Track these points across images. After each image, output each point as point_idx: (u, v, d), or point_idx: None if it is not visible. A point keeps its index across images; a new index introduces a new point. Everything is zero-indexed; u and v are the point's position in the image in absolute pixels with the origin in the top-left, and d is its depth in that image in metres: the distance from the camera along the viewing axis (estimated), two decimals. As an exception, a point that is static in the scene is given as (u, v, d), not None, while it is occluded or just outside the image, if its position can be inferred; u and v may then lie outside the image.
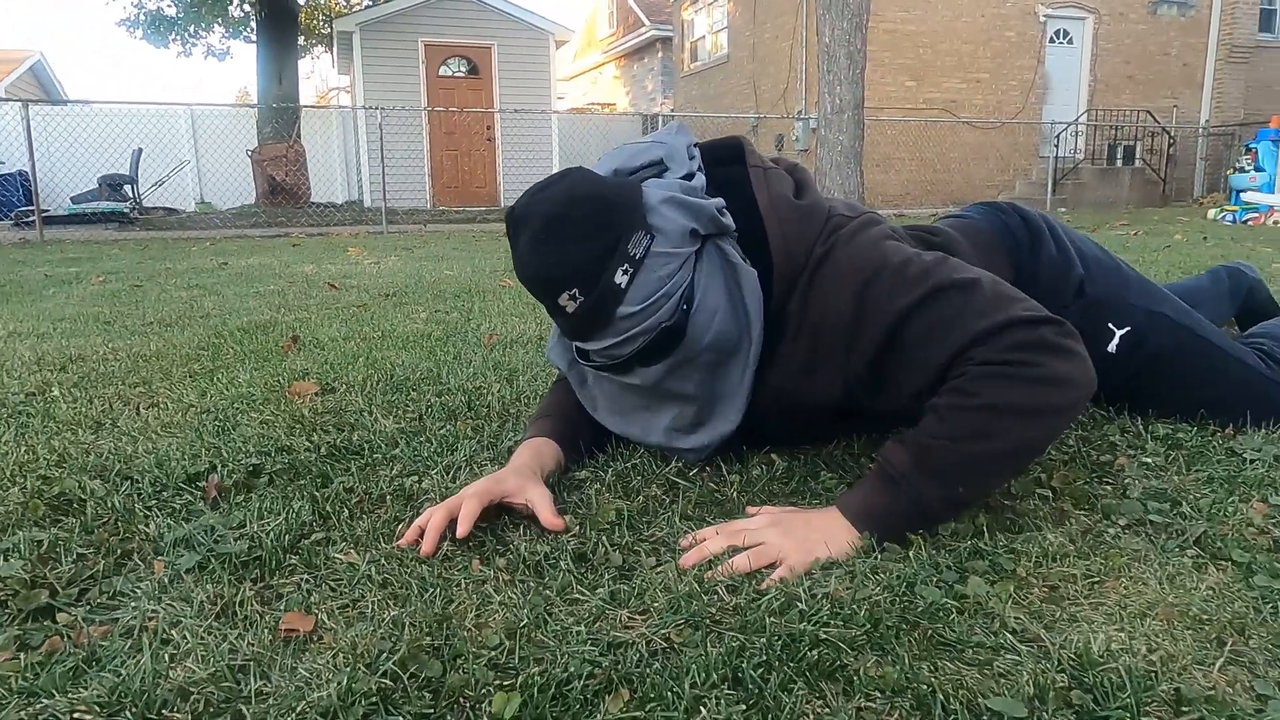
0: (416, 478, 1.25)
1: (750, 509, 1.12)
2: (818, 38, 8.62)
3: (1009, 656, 0.80)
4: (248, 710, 0.73)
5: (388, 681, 0.76)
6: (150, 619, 0.88)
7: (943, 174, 12.95)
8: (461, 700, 0.75)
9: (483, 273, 4.37)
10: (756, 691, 0.75)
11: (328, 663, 0.79)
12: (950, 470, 1.00)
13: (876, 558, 0.98)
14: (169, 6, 12.93)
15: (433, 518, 1.03)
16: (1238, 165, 9.92)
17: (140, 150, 11.77)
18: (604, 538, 1.05)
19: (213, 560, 1.00)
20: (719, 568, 0.96)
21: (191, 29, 13.25)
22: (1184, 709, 0.73)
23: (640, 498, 1.17)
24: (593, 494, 1.18)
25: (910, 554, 0.99)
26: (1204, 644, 0.82)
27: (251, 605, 0.90)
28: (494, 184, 13.04)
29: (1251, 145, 9.75)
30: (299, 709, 0.73)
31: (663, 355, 1.10)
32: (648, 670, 0.78)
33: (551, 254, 1.01)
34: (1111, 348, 1.39)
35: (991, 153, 13.25)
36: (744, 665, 0.78)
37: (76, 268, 5.09)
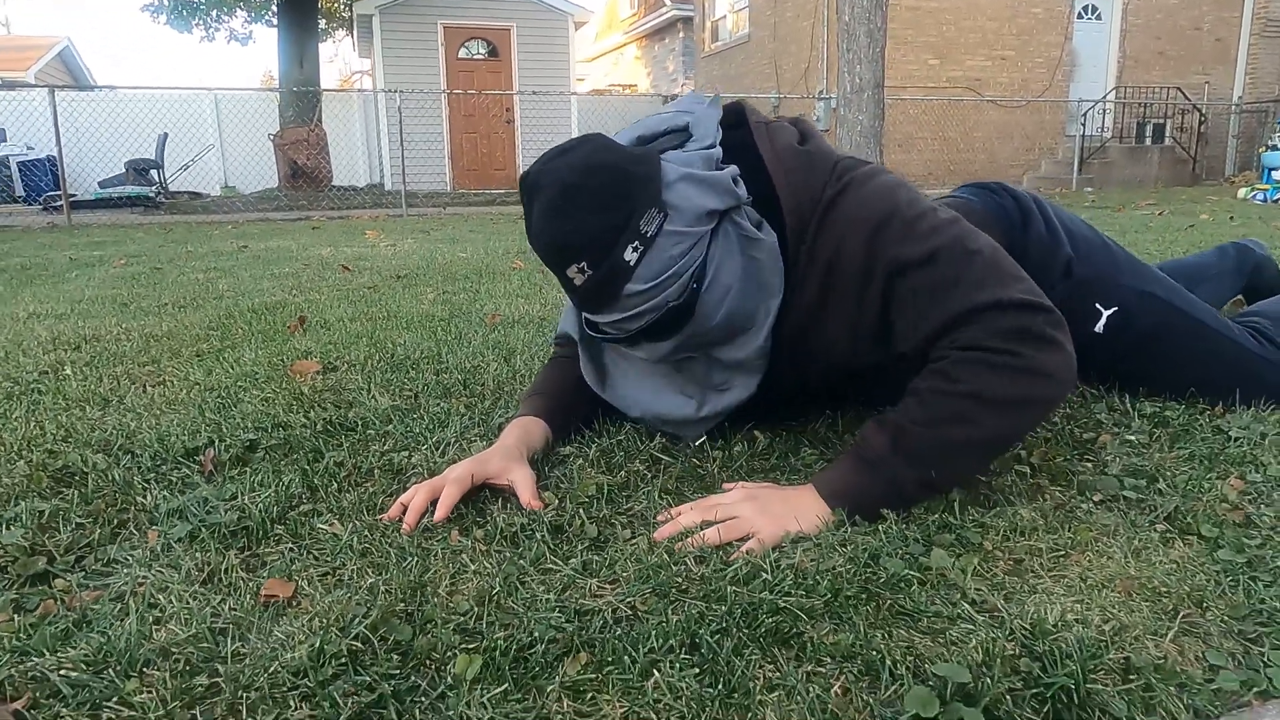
0: (406, 453, 1.28)
1: (726, 485, 1.14)
2: (837, 15, 8.53)
3: (964, 625, 0.81)
4: (223, 669, 0.76)
5: (358, 644, 0.79)
6: (140, 585, 0.92)
7: (966, 154, 12.78)
8: (428, 662, 0.78)
9: (495, 254, 4.40)
10: (711, 656, 0.77)
11: (303, 626, 0.83)
12: (926, 454, 1.02)
13: (846, 531, 1.00)
14: (192, -9, 13.02)
15: (415, 497, 1.06)
16: (1271, 143, 9.71)
17: (165, 135, 11.91)
18: (582, 510, 1.07)
19: (203, 530, 1.04)
20: (690, 540, 0.98)
21: (214, 13, 13.34)
22: (1131, 677, 0.74)
23: (622, 473, 1.20)
24: (575, 469, 1.21)
25: (880, 528, 1.00)
26: (1159, 615, 0.83)
27: (236, 572, 0.94)
28: (513, 166, 13.06)
29: (1284, 122, 9.52)
30: (271, 669, 0.76)
31: (671, 333, 1.10)
32: (609, 636, 0.81)
33: (564, 224, 1.01)
34: (1099, 327, 1.39)
35: (1016, 131, 13.05)
36: (702, 632, 0.80)
37: (100, 251, 5.18)
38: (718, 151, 1.11)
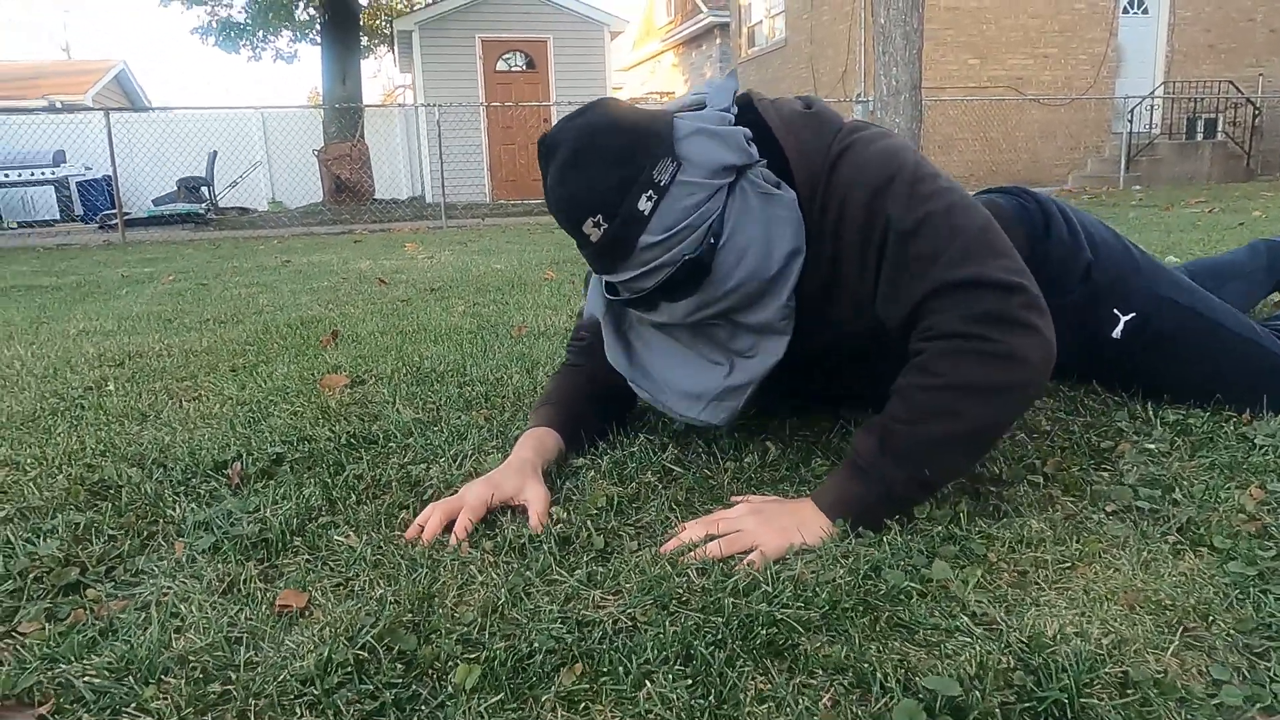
0: (425, 466, 1.31)
1: (735, 498, 1.14)
2: (873, 18, 8.47)
3: (961, 638, 0.81)
4: (236, 677, 0.80)
5: (364, 653, 0.82)
6: (164, 595, 0.96)
7: (1008, 154, 12.57)
8: (430, 671, 0.80)
9: (528, 265, 4.45)
10: (704, 668, 0.78)
11: (313, 635, 0.86)
12: (915, 452, 1.01)
13: (850, 543, 1.00)
14: (239, 13, 13.40)
15: (431, 518, 1.08)
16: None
17: (215, 153, 12.27)
18: (590, 522, 1.09)
19: (226, 542, 1.08)
20: (693, 553, 0.99)
21: (260, 34, 13.71)
22: (1129, 691, 0.74)
23: (633, 484, 1.21)
24: (587, 480, 1.23)
25: (885, 539, 1.00)
26: (1162, 629, 0.82)
27: (255, 583, 0.98)
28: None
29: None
30: (281, 677, 0.79)
31: (688, 290, 1.08)
32: (607, 647, 0.82)
33: (578, 179, 1.02)
34: (1117, 333, 1.37)
35: (1060, 130, 12.80)
36: (697, 643, 0.81)
37: (151, 268, 5.35)
38: (731, 115, 1.12)
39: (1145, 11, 12.96)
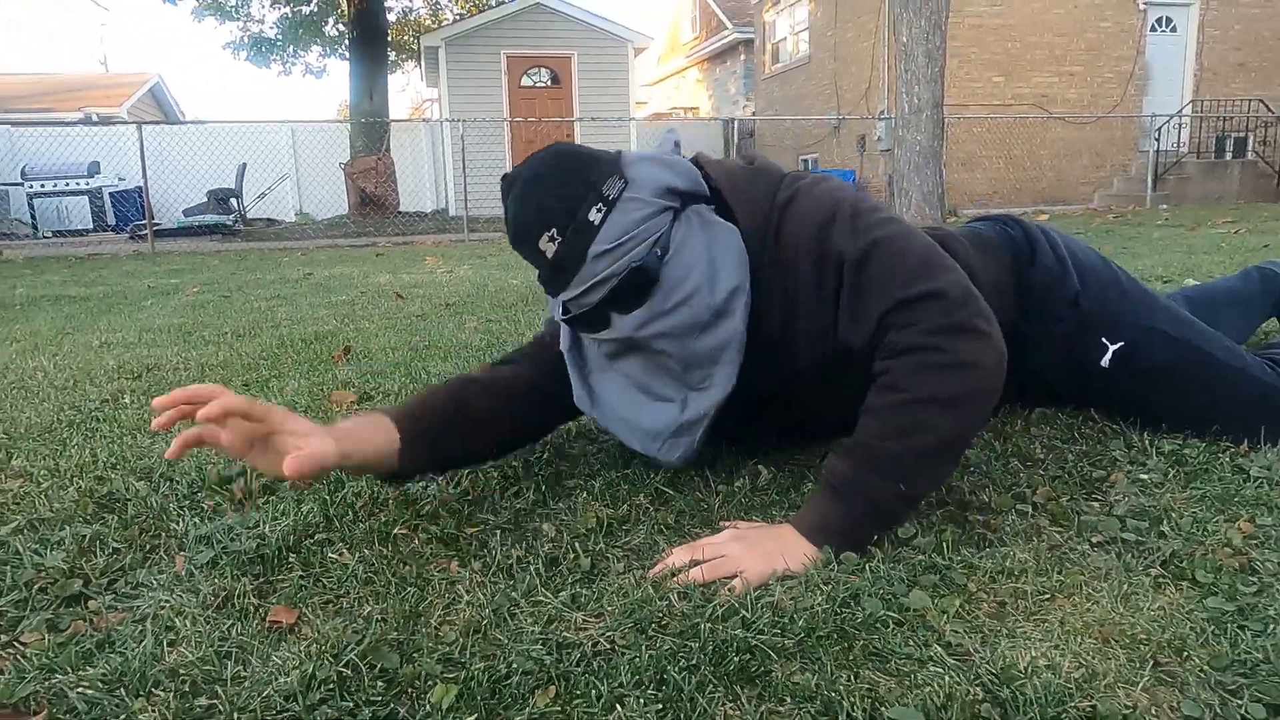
0: (423, 485, 1.33)
1: (724, 523, 1.16)
2: (895, 37, 8.48)
3: (933, 669, 0.82)
4: (223, 691, 0.82)
5: (347, 671, 0.84)
6: (162, 608, 0.99)
7: (1032, 172, 12.50)
8: (410, 690, 0.82)
9: (545, 281, 4.49)
10: (676, 692, 0.79)
11: (299, 652, 0.88)
12: (891, 468, 1.03)
13: (833, 569, 1.01)
14: (270, 29, 13.66)
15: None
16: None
17: (244, 165, 12.50)
18: (578, 543, 1.11)
19: (224, 557, 1.10)
20: (676, 578, 1.01)
21: (290, 49, 13.96)
22: (1095, 726, 0.74)
23: (625, 506, 1.23)
24: (579, 501, 1.24)
25: (867, 566, 1.01)
26: (1135, 663, 0.82)
27: (249, 598, 1.00)
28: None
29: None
30: (265, 693, 0.81)
31: (636, 301, 1.12)
32: (583, 670, 0.84)
33: (534, 200, 1.10)
34: (1105, 361, 1.37)
35: (1086, 149, 12.72)
36: (671, 668, 0.83)
37: (177, 279, 5.46)
38: (681, 156, 1.21)
39: (1173, 30, 12.87)
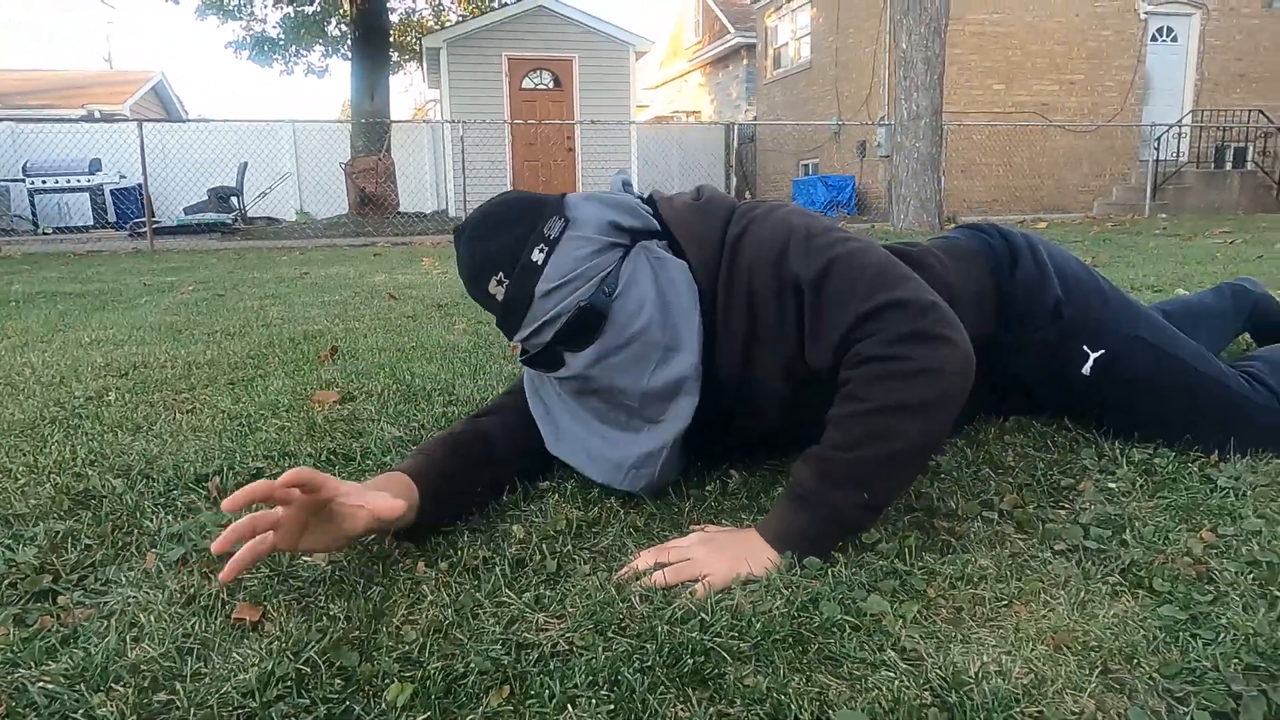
0: (397, 484, 1.34)
1: (692, 527, 1.17)
2: (894, 43, 8.50)
3: (885, 673, 0.83)
4: (182, 687, 0.83)
5: (306, 668, 0.85)
6: (128, 605, 1.00)
7: (1032, 180, 12.52)
8: (367, 688, 0.83)
9: (539, 283, 4.50)
10: (629, 693, 0.80)
11: (260, 649, 0.89)
12: (854, 477, 1.04)
13: (796, 573, 1.02)
14: (273, 29, 13.70)
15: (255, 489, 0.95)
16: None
17: (245, 164, 12.52)
18: (545, 545, 1.12)
19: (194, 554, 1.11)
20: (641, 581, 1.02)
21: (293, 49, 13.99)
22: (1040, 731, 0.75)
23: (595, 508, 1.24)
24: (551, 504, 1.25)
25: (830, 571, 1.02)
26: (1085, 669, 0.83)
27: (215, 596, 1.01)
28: (574, 192, 13.31)
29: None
30: (223, 689, 0.82)
31: (587, 339, 1.14)
32: (539, 670, 0.85)
33: (480, 246, 1.14)
34: (1086, 370, 1.38)
35: (1086, 157, 12.74)
36: (625, 669, 0.83)
37: (174, 277, 5.47)
38: (630, 193, 1.24)
39: (1174, 39, 12.89)
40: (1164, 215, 11.06)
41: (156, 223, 10.03)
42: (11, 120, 13.47)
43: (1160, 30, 12.80)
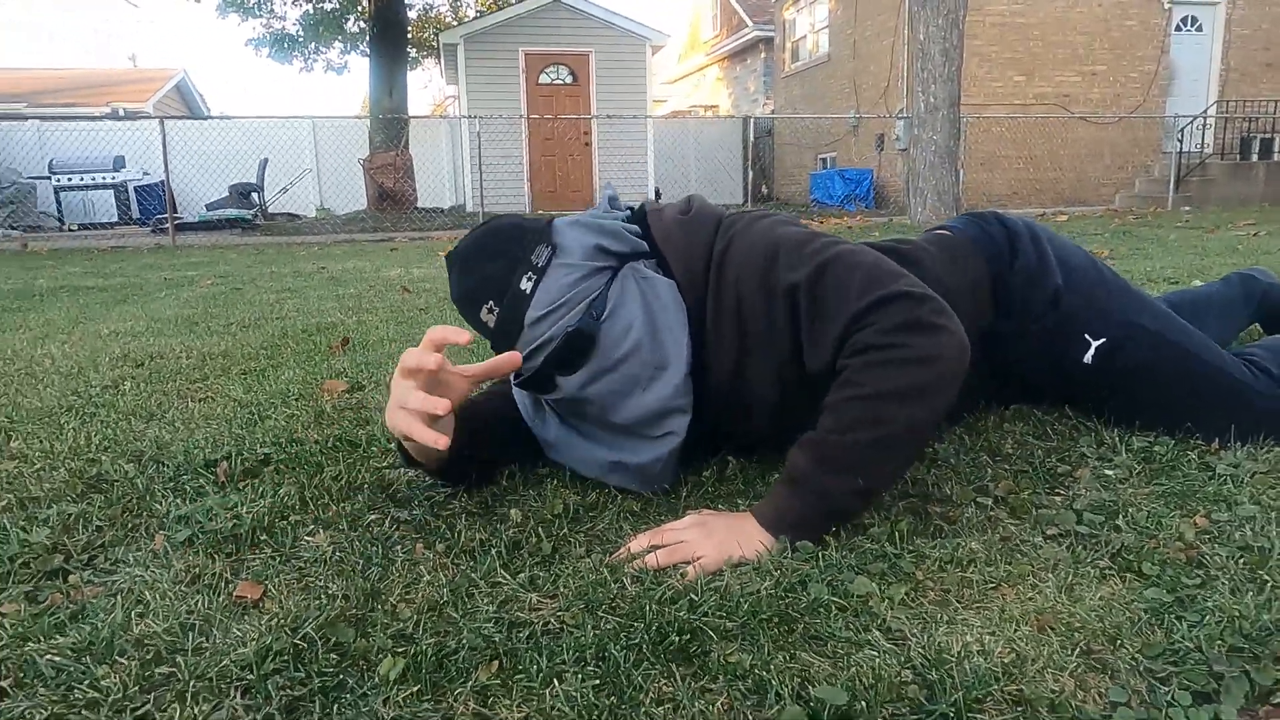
0: (402, 470, 1.37)
1: (690, 511, 1.18)
2: (912, 34, 8.44)
3: (868, 652, 0.84)
4: (183, 661, 0.86)
5: (302, 644, 0.88)
6: (136, 583, 1.03)
7: (1053, 172, 12.39)
8: (361, 663, 0.85)
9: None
10: (614, 669, 0.82)
11: (260, 625, 0.91)
12: (847, 461, 1.05)
13: (787, 556, 1.03)
14: (292, 26, 13.81)
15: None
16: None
17: (266, 160, 12.65)
18: (542, 528, 1.14)
19: (201, 536, 1.14)
20: (634, 563, 1.03)
21: (312, 46, 14.09)
22: (1019, 708, 0.76)
23: (593, 494, 1.25)
24: (549, 488, 1.27)
25: (820, 554, 1.03)
26: (1068, 650, 0.84)
27: (219, 575, 1.04)
28: (589, 188, 13.34)
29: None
30: (222, 663, 0.85)
31: (578, 363, 1.16)
32: (529, 647, 0.87)
33: (471, 277, 1.16)
34: (1087, 358, 1.38)
35: (1108, 149, 12.59)
36: (613, 646, 0.85)
37: (194, 271, 5.55)
38: (615, 214, 1.25)
39: (1199, 29, 12.70)
40: (1187, 208, 10.91)
41: (179, 218, 10.16)
42: (38, 118, 13.68)
43: (1185, 20, 12.61)
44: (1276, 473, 1.24)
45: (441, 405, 1.03)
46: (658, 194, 11.94)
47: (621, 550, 1.07)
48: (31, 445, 1.54)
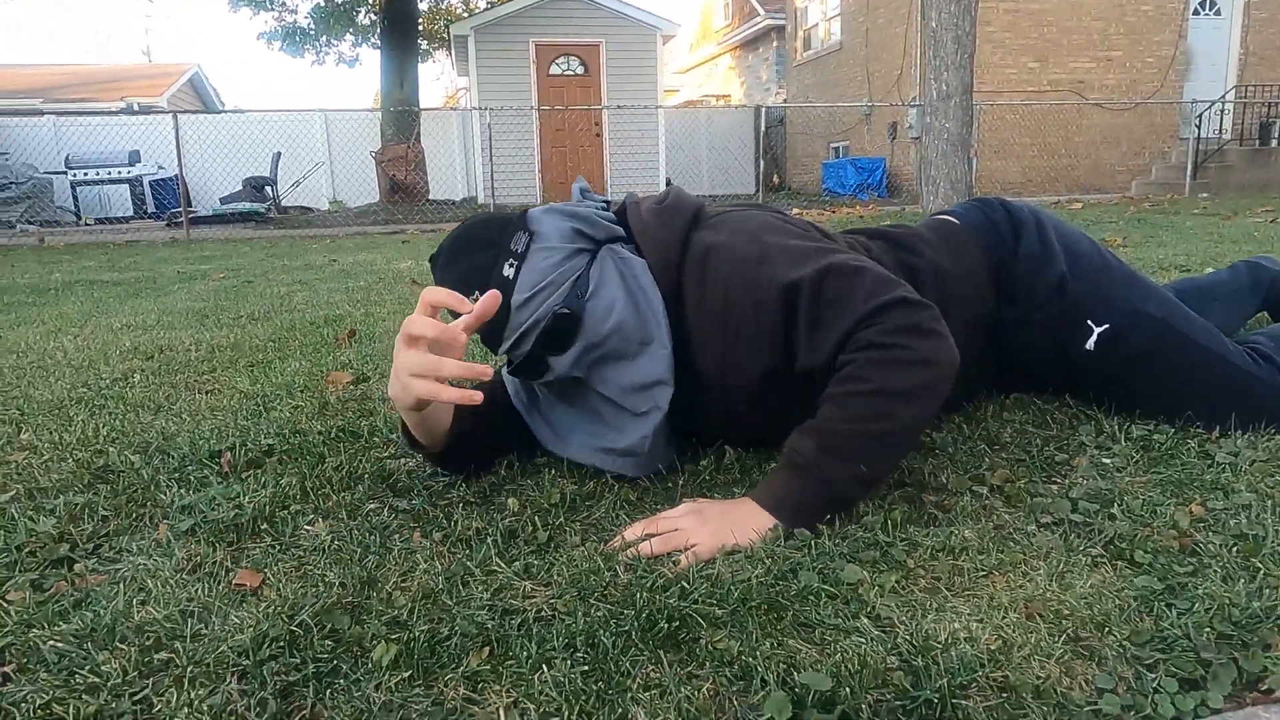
0: (401, 460, 1.38)
1: (686, 500, 1.19)
2: (924, 21, 8.37)
3: (855, 639, 0.85)
4: (182, 647, 0.87)
5: (299, 630, 0.89)
6: (139, 571, 1.05)
7: (1067, 160, 12.27)
8: (355, 649, 0.87)
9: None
10: (603, 655, 0.83)
11: (258, 613, 0.93)
12: (852, 451, 1.07)
13: (779, 544, 1.04)
14: (304, 19, 13.85)
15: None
16: None
17: (279, 154, 12.71)
18: (538, 517, 1.15)
19: (203, 525, 1.16)
20: (628, 551, 1.04)
21: (324, 39, 14.13)
22: (1004, 694, 0.76)
23: (591, 483, 1.26)
24: (547, 478, 1.28)
25: (813, 543, 1.04)
26: (1055, 637, 0.84)
27: (220, 563, 1.06)
28: (601, 178, 13.33)
29: None
30: (220, 649, 0.86)
31: (567, 343, 1.18)
32: (520, 634, 0.88)
33: (455, 269, 1.19)
34: (1090, 344, 1.38)
35: (1124, 135, 12.45)
36: (602, 633, 0.86)
37: (207, 265, 5.59)
38: (591, 203, 1.28)
39: (1217, 13, 12.52)
40: (1205, 194, 10.79)
41: (193, 212, 10.23)
42: (54, 113, 13.79)
43: (1203, 3, 12.43)
44: (1276, 460, 1.23)
45: (481, 371, 1.01)
46: (669, 184, 11.89)
47: (616, 538, 1.08)
48: (41, 437, 1.57)
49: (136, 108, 15.82)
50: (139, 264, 5.81)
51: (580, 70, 13.28)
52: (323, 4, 13.70)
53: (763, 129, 12.98)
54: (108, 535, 1.16)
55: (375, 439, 1.49)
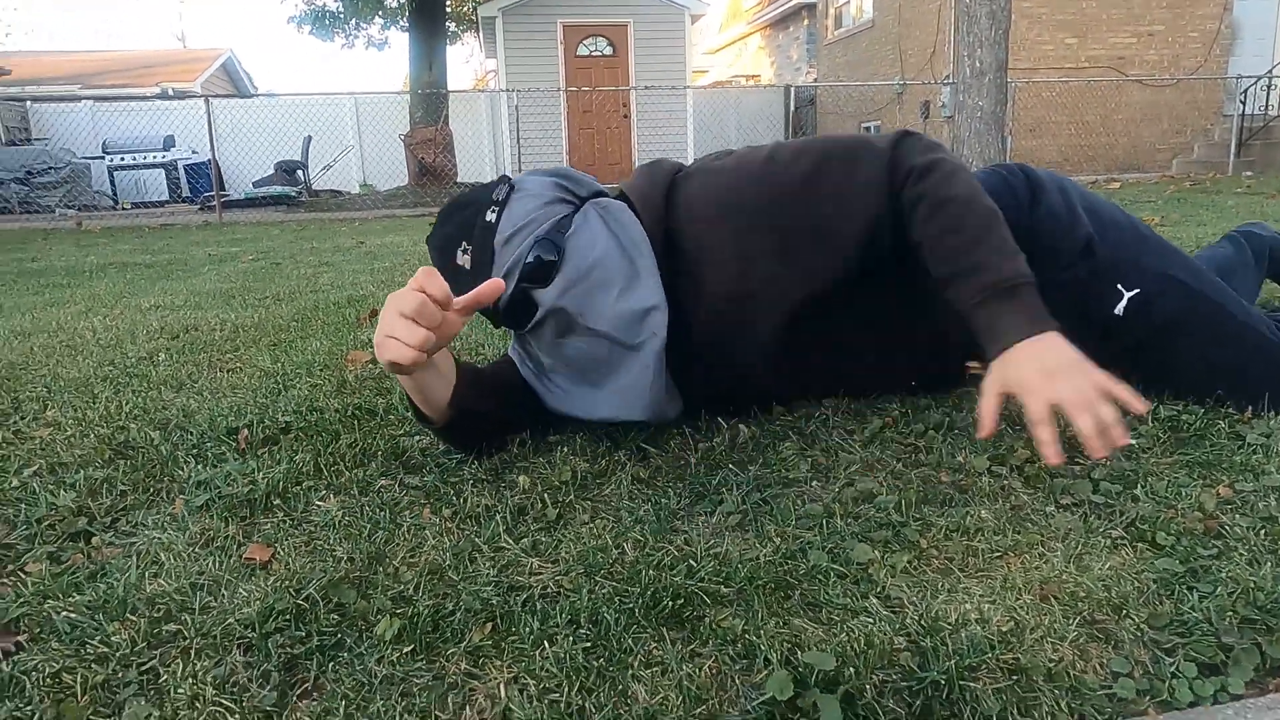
0: (415, 438, 1.38)
1: (989, 387, 1.08)
2: (957, -2, 8.19)
3: (862, 619, 0.83)
4: (190, 619, 0.88)
5: (305, 604, 0.89)
6: (153, 545, 1.06)
7: (1105, 138, 11.98)
8: (360, 623, 0.87)
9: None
10: (606, 632, 0.82)
11: (266, 586, 0.93)
12: (998, 246, 1.13)
13: (790, 524, 1.02)
14: (332, 2, 13.89)
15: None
16: None
17: (310, 137, 12.79)
18: (548, 495, 1.14)
19: (217, 501, 1.17)
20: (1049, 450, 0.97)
21: (353, 22, 14.17)
22: (1014, 676, 0.75)
23: (603, 461, 1.25)
24: (558, 455, 1.27)
25: (824, 520, 1.02)
26: (1070, 619, 0.82)
27: (231, 538, 1.06)
28: (628, 160, 13.26)
29: None
30: (227, 621, 0.87)
31: (549, 275, 1.19)
32: (524, 610, 0.87)
33: (440, 233, 1.24)
34: (1119, 310, 1.34)
35: (1165, 113, 12.11)
36: (606, 610, 0.85)
37: (237, 248, 5.65)
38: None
39: (1265, -16, 12.11)
40: (1249, 173, 10.48)
41: (225, 196, 10.35)
42: (91, 99, 14.01)
43: (1250, -25, 12.03)
44: (1310, 442, 1.19)
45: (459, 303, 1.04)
46: None
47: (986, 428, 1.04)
48: (66, 413, 1.59)
49: (171, 93, 16.01)
50: (171, 247, 5.89)
51: (608, 51, 13.20)
52: (351, -13, 13.73)
53: (792, 109, 12.82)
54: (125, 509, 1.18)
55: (391, 417, 1.50)
